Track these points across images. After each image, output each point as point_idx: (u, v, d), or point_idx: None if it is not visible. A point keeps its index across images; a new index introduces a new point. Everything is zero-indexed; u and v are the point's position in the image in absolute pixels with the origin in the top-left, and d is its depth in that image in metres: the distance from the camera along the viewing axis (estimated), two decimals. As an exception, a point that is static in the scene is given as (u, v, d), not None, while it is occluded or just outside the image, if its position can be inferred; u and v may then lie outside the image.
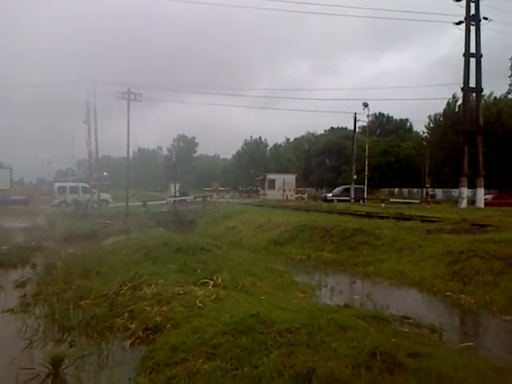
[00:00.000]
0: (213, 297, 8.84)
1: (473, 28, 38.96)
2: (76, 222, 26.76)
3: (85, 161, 72.14)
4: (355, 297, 11.06)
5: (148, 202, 40.97)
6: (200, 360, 6.08)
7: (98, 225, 27.07)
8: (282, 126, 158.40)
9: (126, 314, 8.81)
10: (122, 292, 9.92)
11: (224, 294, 9.15)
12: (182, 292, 9.28)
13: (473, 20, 39.00)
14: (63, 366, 6.50)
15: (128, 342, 7.73)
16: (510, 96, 54.65)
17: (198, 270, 11.02)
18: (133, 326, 8.16)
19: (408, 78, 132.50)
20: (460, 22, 39.28)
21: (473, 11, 39.04)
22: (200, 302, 8.46)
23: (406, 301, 10.67)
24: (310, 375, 5.28)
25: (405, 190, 73.69)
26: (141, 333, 7.84)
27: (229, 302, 8.49)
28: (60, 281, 11.26)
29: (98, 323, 8.44)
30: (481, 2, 39.02)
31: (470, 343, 7.67)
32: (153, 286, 9.75)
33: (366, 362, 5.50)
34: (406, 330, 7.94)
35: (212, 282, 10.06)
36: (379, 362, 5.47)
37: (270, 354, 5.88)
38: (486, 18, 39.18)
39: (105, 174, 73.88)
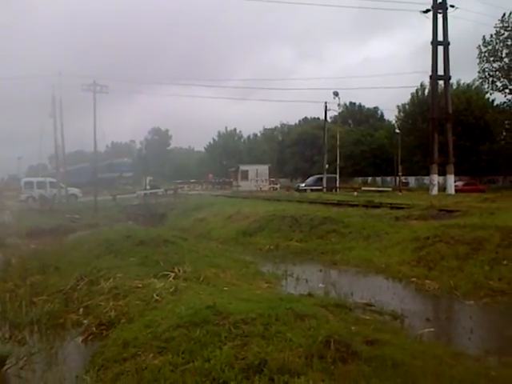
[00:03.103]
0: (171, 289, 8.58)
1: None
2: (42, 218, 26.18)
3: (57, 155, 70.42)
4: (320, 285, 10.94)
5: (118, 196, 40.30)
6: (151, 355, 5.84)
7: (66, 220, 26.45)
8: (259, 116, 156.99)
9: (82, 309, 8.54)
10: (78, 287, 9.62)
11: (184, 286, 8.90)
12: (140, 285, 9.02)
13: (440, 8, 39.13)
14: (7, 366, 6.18)
15: (80, 338, 7.45)
16: (477, 83, 55.03)
17: (161, 263, 10.76)
18: (86, 321, 7.87)
19: (390, 65, 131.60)
20: (427, 11, 39.42)
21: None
22: (157, 295, 8.20)
23: (371, 288, 10.56)
24: (261, 367, 5.07)
25: (378, 179, 74.01)
26: (94, 328, 7.59)
27: (187, 294, 8.23)
28: (15, 277, 10.86)
29: (50, 319, 8.16)
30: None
31: (431, 329, 7.59)
32: (111, 280, 9.46)
33: (319, 351, 5.32)
34: (368, 317, 7.84)
35: (173, 275, 9.79)
36: (333, 350, 5.30)
37: (223, 347, 5.67)
38: (452, 6, 39.35)
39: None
